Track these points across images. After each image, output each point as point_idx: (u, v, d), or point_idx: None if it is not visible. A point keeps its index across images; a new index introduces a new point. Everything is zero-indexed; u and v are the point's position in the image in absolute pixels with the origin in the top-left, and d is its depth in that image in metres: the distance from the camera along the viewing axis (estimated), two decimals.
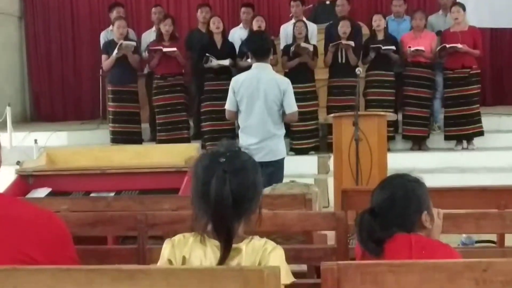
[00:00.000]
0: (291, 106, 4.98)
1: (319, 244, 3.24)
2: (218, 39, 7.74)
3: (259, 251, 1.99)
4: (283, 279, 1.82)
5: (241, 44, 7.81)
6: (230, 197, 1.94)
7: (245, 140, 5.04)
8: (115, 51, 7.54)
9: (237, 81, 5.03)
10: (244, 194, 1.99)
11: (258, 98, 4.93)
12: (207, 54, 7.59)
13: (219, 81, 7.68)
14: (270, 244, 2.02)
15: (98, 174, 4.56)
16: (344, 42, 7.50)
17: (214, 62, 7.56)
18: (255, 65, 5.05)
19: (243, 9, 8.59)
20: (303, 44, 7.53)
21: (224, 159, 2.00)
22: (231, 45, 7.87)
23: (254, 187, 2.04)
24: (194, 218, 2.04)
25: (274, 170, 5.03)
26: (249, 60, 7.33)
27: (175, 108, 7.82)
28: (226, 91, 7.58)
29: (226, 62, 7.60)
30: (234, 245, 1.99)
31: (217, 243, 1.99)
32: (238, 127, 5.29)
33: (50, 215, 2.20)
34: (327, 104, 7.75)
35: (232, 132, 7.75)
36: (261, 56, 5.03)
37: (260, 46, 5.10)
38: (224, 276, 1.76)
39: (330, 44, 7.60)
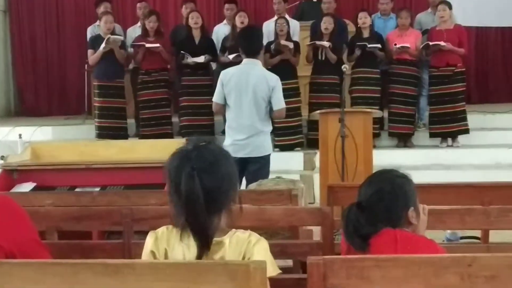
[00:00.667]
0: (279, 103, 4.99)
1: (305, 239, 3.25)
2: (196, 34, 7.73)
3: (243, 244, 1.99)
4: (268, 272, 1.82)
5: (224, 39, 7.81)
6: (201, 194, 1.93)
7: (231, 135, 5.05)
8: (102, 45, 7.50)
9: (226, 75, 5.03)
10: (217, 187, 1.98)
11: (247, 93, 4.93)
12: (182, 52, 7.59)
13: (196, 76, 7.71)
14: (255, 236, 2.02)
15: (83, 169, 4.53)
16: (318, 42, 7.51)
17: (190, 60, 7.56)
18: (245, 60, 5.04)
19: (226, 6, 8.58)
20: (283, 42, 7.54)
21: (193, 156, 1.99)
22: (210, 40, 7.87)
23: (227, 178, 2.03)
24: (173, 215, 2.04)
25: (260, 166, 5.04)
26: (230, 56, 7.37)
27: (159, 104, 7.82)
28: (203, 86, 7.71)
29: (201, 59, 7.59)
30: (217, 239, 2.00)
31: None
32: (224, 122, 5.28)
33: (3, 200, 2.19)
34: (308, 101, 7.78)
35: (210, 128, 7.79)
36: (252, 52, 5.02)
37: (251, 43, 5.09)
38: (210, 270, 1.76)
39: (307, 43, 7.62)
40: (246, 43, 5.12)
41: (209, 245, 1.98)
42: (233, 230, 2.04)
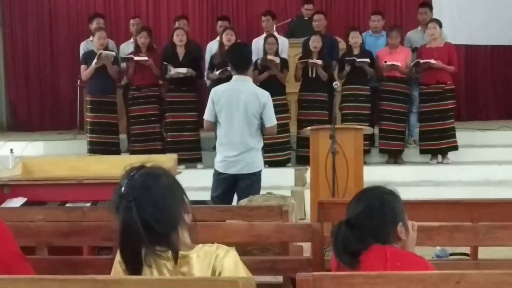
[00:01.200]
0: (271, 120, 5.01)
1: (295, 255, 3.26)
2: (180, 51, 7.75)
3: (211, 257, 2.00)
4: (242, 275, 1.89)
5: (211, 57, 7.85)
6: (138, 224, 1.95)
7: (222, 152, 5.06)
8: (95, 60, 7.52)
9: (217, 92, 5.03)
10: (159, 209, 1.99)
11: (238, 110, 4.94)
12: (164, 63, 7.61)
13: (180, 93, 7.73)
14: (222, 249, 2.04)
15: (74, 184, 4.52)
16: (311, 61, 7.56)
17: (173, 71, 7.58)
18: (235, 77, 5.05)
19: (219, 23, 8.62)
20: (269, 57, 7.58)
21: (124, 189, 2.01)
22: (193, 57, 7.87)
23: (167, 196, 2.03)
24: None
25: (251, 182, 5.06)
26: (216, 73, 7.40)
27: (149, 120, 7.81)
28: (188, 102, 7.75)
29: (184, 70, 7.60)
30: (182, 253, 2.01)
31: (166, 256, 2.00)
32: (215, 138, 5.30)
33: None
34: (297, 118, 7.81)
35: (194, 143, 7.82)
36: (241, 68, 5.04)
37: (239, 59, 5.11)
38: (199, 286, 1.77)
39: (298, 61, 7.66)
40: (236, 59, 5.13)
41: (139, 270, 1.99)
42: (200, 245, 2.06)
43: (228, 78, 7.27)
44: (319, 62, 7.57)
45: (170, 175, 2.12)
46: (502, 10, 10.03)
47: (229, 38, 7.61)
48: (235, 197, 5.15)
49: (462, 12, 10.04)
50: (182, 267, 2.00)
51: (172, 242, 2.00)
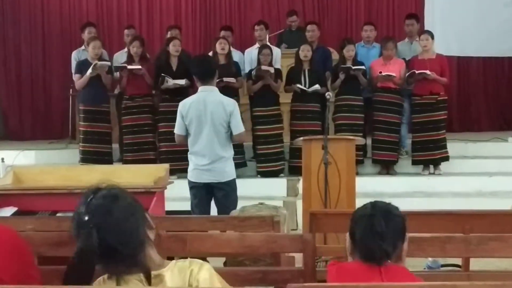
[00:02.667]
0: (238, 127, 5.05)
1: (286, 266, 3.25)
2: (174, 62, 7.76)
3: (186, 273, 1.98)
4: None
5: None
6: (96, 247, 1.91)
7: (194, 161, 5.13)
8: (89, 70, 7.50)
9: (185, 105, 5.10)
10: (122, 231, 1.94)
11: (206, 121, 5.01)
12: (162, 74, 7.61)
13: (174, 102, 7.70)
14: (196, 263, 2.02)
15: (65, 193, 4.49)
16: (263, 68, 7.54)
17: (170, 82, 7.58)
18: (201, 88, 5.11)
19: (222, 32, 8.62)
20: (263, 67, 7.60)
21: (83, 215, 1.97)
22: (187, 67, 7.88)
23: (129, 217, 1.98)
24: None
25: (225, 193, 5.12)
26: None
27: (142, 129, 7.79)
28: None
29: (182, 81, 7.60)
30: (154, 272, 1.98)
31: (138, 276, 1.97)
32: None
33: (10, 235, 2.19)
34: (290, 128, 7.81)
35: (187, 154, 7.77)
36: (205, 79, 5.09)
37: (203, 70, 5.16)
38: None
39: (295, 86, 7.65)
40: (200, 69, 5.20)
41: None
42: (174, 261, 2.03)
43: (223, 88, 7.34)
44: (271, 69, 7.59)
45: (128, 194, 2.06)
46: (494, 23, 10.09)
47: (222, 47, 7.63)
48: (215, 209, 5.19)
49: (454, 24, 10.10)
50: (157, 286, 1.96)
51: (141, 262, 1.96)
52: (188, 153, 5.23)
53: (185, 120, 5.06)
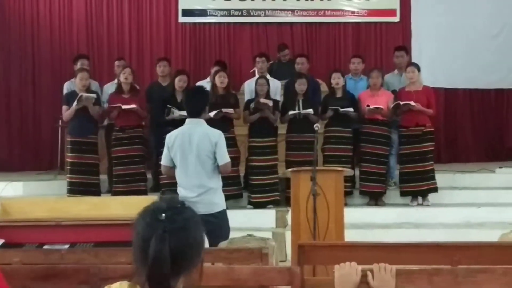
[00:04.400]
0: (223, 158, 5.07)
1: None
2: (179, 94, 7.82)
3: None
4: None
5: None
6: (168, 258, 1.88)
7: (183, 193, 5.10)
8: (75, 102, 7.52)
9: (171, 137, 5.13)
10: (184, 253, 1.93)
11: (191, 152, 5.03)
12: (168, 106, 7.65)
13: None
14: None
15: (53, 225, 4.48)
16: (261, 100, 7.60)
17: (176, 113, 7.60)
18: (188, 121, 5.17)
19: (215, 68, 8.67)
20: (262, 100, 7.65)
21: (165, 217, 1.93)
22: None
23: (195, 245, 1.98)
24: (136, 273, 1.97)
25: (216, 224, 5.05)
26: (211, 114, 7.45)
27: (133, 160, 7.77)
28: None
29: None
30: None
31: None
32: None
33: None
34: (285, 159, 7.82)
35: None
36: (194, 113, 5.15)
37: (193, 105, 5.22)
38: None
39: (290, 113, 7.72)
40: (189, 104, 5.28)
41: None
42: None
43: (221, 119, 7.38)
44: (270, 102, 7.65)
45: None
46: (480, 55, 10.26)
47: (222, 80, 7.72)
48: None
49: (441, 56, 10.25)
50: None
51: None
52: (177, 185, 5.22)
53: (170, 152, 5.09)
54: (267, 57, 8.70)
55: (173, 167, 5.13)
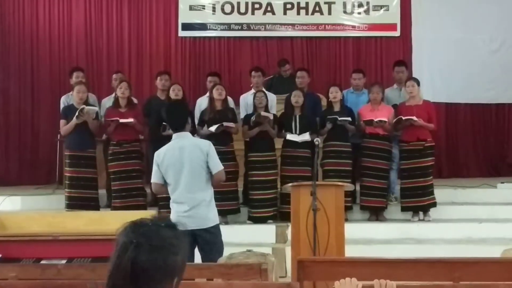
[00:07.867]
0: (217, 166, 5.05)
1: None
2: None
3: None
4: None
5: (201, 113, 7.86)
6: (128, 269, 1.81)
7: (175, 208, 5.07)
8: (75, 116, 7.46)
9: (159, 155, 5.10)
10: (148, 272, 1.82)
11: (183, 166, 5.00)
12: (163, 123, 7.62)
13: None
14: None
15: (50, 240, 4.44)
16: (262, 113, 7.58)
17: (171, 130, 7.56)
18: (174, 135, 5.14)
19: (209, 78, 8.68)
20: (263, 113, 7.62)
21: (142, 231, 1.87)
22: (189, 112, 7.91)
23: (164, 268, 1.86)
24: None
25: (209, 239, 5.04)
26: (212, 128, 7.42)
27: (131, 175, 7.72)
28: None
29: None
30: None
31: None
32: None
33: None
34: (280, 174, 7.78)
35: None
36: (178, 126, 5.13)
37: (174, 119, 5.21)
38: None
39: (285, 133, 7.69)
40: (171, 118, 5.25)
41: None
42: None
43: (221, 133, 7.35)
44: (271, 115, 7.62)
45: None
46: (481, 70, 10.26)
47: (219, 93, 7.70)
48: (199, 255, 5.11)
49: (442, 71, 10.26)
50: None
51: None
52: (170, 201, 5.18)
53: (161, 169, 5.04)
54: (262, 72, 8.69)
55: (164, 185, 5.09)
